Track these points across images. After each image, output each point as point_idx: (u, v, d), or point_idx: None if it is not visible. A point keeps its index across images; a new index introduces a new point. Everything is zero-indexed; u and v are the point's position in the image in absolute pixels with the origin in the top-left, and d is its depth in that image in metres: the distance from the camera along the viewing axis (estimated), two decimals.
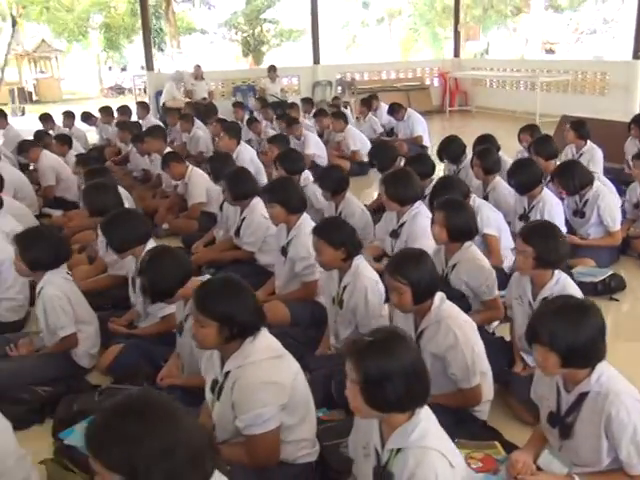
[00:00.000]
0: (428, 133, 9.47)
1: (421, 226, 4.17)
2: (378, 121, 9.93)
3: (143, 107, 10.42)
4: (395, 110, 9.38)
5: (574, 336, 2.10)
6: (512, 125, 7.53)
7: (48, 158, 7.01)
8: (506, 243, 4.48)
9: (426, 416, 1.90)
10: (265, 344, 2.41)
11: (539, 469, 2.32)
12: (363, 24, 33.69)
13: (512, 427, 2.91)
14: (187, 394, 2.96)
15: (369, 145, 8.46)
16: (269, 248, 4.59)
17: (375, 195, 6.56)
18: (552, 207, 4.61)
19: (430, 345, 2.73)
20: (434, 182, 4.61)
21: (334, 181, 4.80)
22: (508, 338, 3.49)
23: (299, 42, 26.23)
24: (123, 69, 28.93)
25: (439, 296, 2.80)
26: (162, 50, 26.97)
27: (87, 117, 10.51)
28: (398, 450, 1.89)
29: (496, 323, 3.67)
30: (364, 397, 1.84)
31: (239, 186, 4.60)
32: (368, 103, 9.97)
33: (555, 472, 2.28)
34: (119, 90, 28.46)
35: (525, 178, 4.64)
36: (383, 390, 1.81)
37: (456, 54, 15.74)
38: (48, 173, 6.89)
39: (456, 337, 2.66)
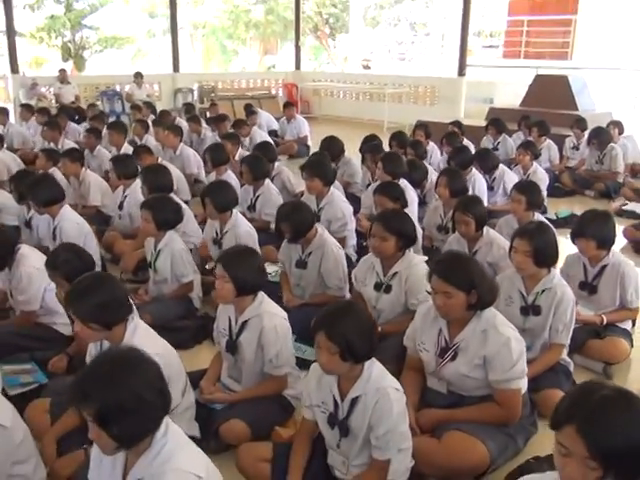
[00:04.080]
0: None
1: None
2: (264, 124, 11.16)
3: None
4: (288, 109, 10.75)
5: (606, 230, 3.71)
6: (357, 130, 8.70)
7: None
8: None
9: None
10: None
11: None
12: (149, 34, 33.24)
13: None
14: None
15: None
16: None
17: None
18: (481, 182, 6.34)
19: (486, 257, 4.19)
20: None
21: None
22: None
23: (123, 49, 26.23)
24: None
25: (486, 227, 4.29)
26: None
27: None
28: (543, 291, 3.33)
29: None
30: (534, 259, 3.25)
31: (258, 168, 5.68)
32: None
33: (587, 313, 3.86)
34: None
35: (461, 161, 6.32)
36: (546, 253, 3.25)
37: (297, 67, 17.43)
38: None
39: (505, 248, 4.15)
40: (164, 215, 4.25)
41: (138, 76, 13.83)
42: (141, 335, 2.70)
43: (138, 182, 5.76)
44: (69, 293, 2.67)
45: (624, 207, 7.10)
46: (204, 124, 10.08)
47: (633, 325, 4.03)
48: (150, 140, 8.52)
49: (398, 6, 31.77)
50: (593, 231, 3.73)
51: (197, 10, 34.28)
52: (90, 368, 1.90)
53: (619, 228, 5.08)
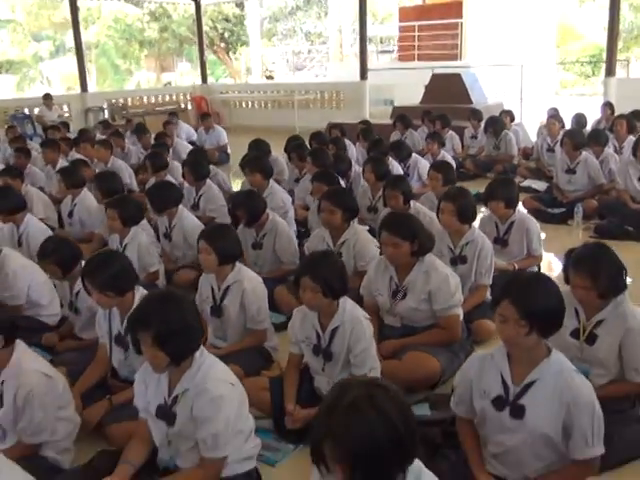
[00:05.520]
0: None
1: None
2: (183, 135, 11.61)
3: None
4: (206, 120, 11.25)
5: (511, 192, 4.51)
6: (270, 136, 9.16)
7: None
8: None
9: None
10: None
11: None
12: (35, 57, 32.43)
13: None
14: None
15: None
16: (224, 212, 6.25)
17: None
18: (398, 168, 7.10)
19: None
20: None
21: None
22: None
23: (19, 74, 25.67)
24: None
25: (412, 201, 5.00)
26: None
27: None
28: (467, 243, 4.05)
29: None
30: (458, 217, 3.96)
31: (199, 169, 6.18)
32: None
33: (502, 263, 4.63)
34: None
35: (379, 151, 7.07)
36: (467, 211, 3.97)
37: (204, 80, 17.88)
38: None
39: (430, 216, 4.86)
40: (129, 212, 4.68)
41: (47, 98, 13.88)
42: None
43: (86, 190, 6.14)
44: (86, 267, 3.13)
45: (521, 184, 8.04)
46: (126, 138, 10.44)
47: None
48: (77, 157, 8.78)
49: (292, 18, 32.81)
50: (501, 193, 4.53)
51: (88, 31, 33.88)
52: (144, 304, 2.40)
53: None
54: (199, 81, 18.19)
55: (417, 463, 1.67)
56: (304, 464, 2.86)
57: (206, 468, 2.43)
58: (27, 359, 2.73)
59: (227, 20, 33.42)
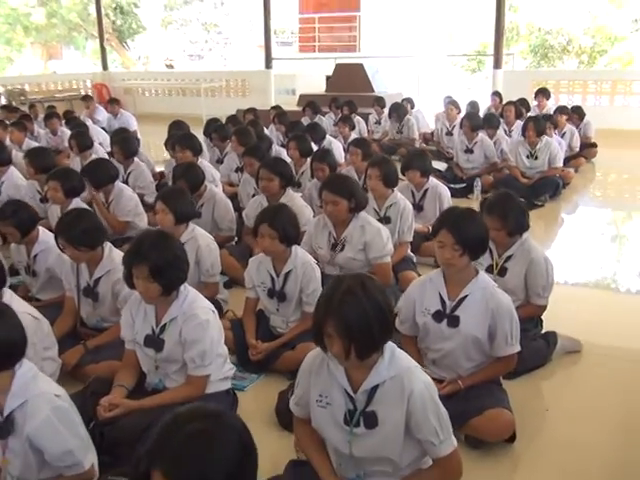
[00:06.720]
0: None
1: None
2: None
3: None
4: (113, 106, 11.29)
5: (426, 162, 5.10)
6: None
7: None
8: None
9: None
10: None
11: None
12: None
13: None
14: None
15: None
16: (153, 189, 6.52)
17: None
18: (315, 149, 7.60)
19: None
20: None
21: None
22: None
23: None
24: None
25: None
26: None
27: None
28: (390, 205, 4.60)
29: None
30: (383, 182, 4.49)
31: (128, 147, 6.38)
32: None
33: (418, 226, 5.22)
34: None
35: (297, 132, 7.53)
36: (391, 177, 4.51)
37: (104, 67, 17.63)
38: None
39: None
40: (71, 184, 4.88)
41: None
42: (118, 253, 3.50)
43: (13, 168, 6.22)
44: (59, 225, 3.39)
45: None
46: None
47: None
48: None
49: (187, 7, 32.61)
50: (417, 164, 5.12)
51: None
52: (141, 241, 2.73)
53: None
54: (89, 70, 17.89)
55: (391, 343, 2.14)
56: (267, 389, 3.35)
57: (193, 384, 2.82)
58: (16, 302, 2.98)
59: (120, 9, 32.66)
